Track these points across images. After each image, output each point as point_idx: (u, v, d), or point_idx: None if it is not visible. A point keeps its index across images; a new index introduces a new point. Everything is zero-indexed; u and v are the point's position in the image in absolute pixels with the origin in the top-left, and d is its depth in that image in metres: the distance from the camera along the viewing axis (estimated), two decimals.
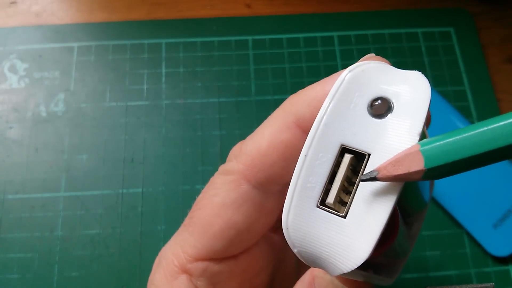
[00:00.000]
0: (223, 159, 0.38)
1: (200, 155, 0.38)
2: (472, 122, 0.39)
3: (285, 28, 0.43)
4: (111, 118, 0.39)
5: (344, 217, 0.12)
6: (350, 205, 0.12)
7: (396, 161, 0.11)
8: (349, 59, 0.42)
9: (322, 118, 0.13)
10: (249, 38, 0.43)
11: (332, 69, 0.41)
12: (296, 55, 0.42)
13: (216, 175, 0.21)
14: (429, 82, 0.13)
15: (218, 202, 0.19)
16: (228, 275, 0.19)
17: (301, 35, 0.43)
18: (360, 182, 0.12)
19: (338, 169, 0.12)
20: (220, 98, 0.40)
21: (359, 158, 0.12)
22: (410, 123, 0.12)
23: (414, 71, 0.13)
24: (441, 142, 0.11)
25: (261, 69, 0.41)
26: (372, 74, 0.13)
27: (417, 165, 0.11)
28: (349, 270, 0.12)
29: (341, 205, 0.12)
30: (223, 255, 0.19)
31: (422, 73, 0.13)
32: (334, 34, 0.43)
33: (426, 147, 0.11)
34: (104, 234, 0.35)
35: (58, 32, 0.42)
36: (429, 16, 0.44)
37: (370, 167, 0.12)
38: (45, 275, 0.34)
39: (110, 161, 0.37)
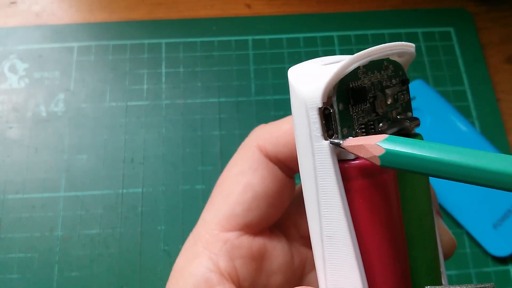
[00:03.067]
0: (223, 159, 0.38)
1: (200, 155, 0.38)
2: (472, 122, 0.39)
3: (285, 28, 0.43)
4: (111, 118, 0.39)
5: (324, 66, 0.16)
6: (327, 65, 0.16)
7: (361, 144, 0.13)
8: None
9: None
10: (249, 38, 0.43)
11: None
12: (296, 55, 0.42)
13: (235, 154, 0.22)
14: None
15: (236, 171, 0.20)
16: (247, 253, 0.19)
17: (301, 35, 0.43)
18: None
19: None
20: (220, 98, 0.40)
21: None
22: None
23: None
24: (403, 149, 0.13)
25: (261, 69, 0.41)
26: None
27: (374, 158, 0.13)
28: (322, 87, 0.14)
29: None
30: (242, 222, 0.19)
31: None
32: (334, 34, 0.43)
33: (389, 146, 0.13)
34: (104, 234, 0.35)
35: (58, 32, 0.42)
36: (429, 16, 0.44)
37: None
38: (45, 275, 0.34)
39: (110, 161, 0.37)
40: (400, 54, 0.16)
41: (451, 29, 0.43)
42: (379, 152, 0.13)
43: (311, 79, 0.15)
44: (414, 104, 0.39)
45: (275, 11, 0.44)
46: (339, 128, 0.14)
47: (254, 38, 0.43)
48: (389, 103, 0.15)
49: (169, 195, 0.37)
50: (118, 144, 0.38)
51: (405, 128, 0.16)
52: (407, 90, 0.16)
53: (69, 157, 0.38)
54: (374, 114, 0.15)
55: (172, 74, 0.41)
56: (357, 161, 0.14)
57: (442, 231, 0.18)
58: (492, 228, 0.35)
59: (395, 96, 0.16)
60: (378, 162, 0.13)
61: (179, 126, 0.39)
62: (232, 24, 0.43)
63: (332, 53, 0.42)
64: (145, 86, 0.40)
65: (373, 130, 0.15)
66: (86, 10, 0.44)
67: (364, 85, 0.15)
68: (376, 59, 0.15)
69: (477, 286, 0.14)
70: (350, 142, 0.13)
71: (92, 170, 0.37)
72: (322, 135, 0.14)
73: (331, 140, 0.14)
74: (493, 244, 0.35)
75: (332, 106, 0.14)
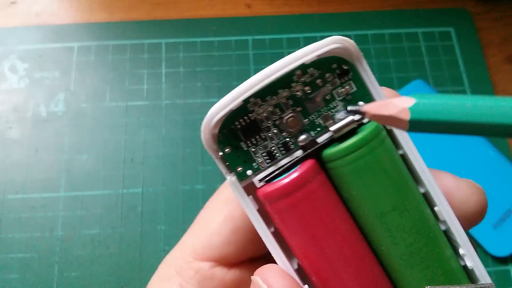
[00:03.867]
0: None
1: (200, 155, 0.38)
2: None
3: (285, 28, 0.43)
4: (111, 118, 0.39)
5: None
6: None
7: (385, 102, 0.12)
8: None
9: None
10: (249, 38, 0.43)
11: None
12: None
13: (224, 183, 0.22)
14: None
15: (220, 200, 0.19)
16: (219, 285, 0.19)
17: (301, 35, 0.43)
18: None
19: None
20: (220, 98, 0.40)
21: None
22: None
23: None
24: (435, 101, 0.11)
25: (261, 69, 0.41)
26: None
27: (404, 113, 0.12)
28: (202, 126, 0.15)
29: None
30: (217, 255, 0.18)
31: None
32: (334, 34, 0.43)
33: (419, 101, 0.12)
34: (104, 234, 0.35)
35: (58, 32, 0.42)
36: (429, 16, 0.44)
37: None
38: (45, 275, 0.34)
39: (110, 161, 0.37)
40: (322, 55, 0.15)
41: (451, 29, 0.43)
42: (409, 104, 0.12)
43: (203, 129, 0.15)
44: None
45: (275, 11, 0.44)
46: (231, 169, 0.14)
47: (254, 38, 0.43)
48: (311, 111, 0.14)
49: (169, 195, 0.37)
50: (118, 144, 0.38)
51: (343, 124, 0.14)
52: (353, 78, 0.14)
53: (69, 157, 0.38)
54: (294, 129, 0.14)
55: (172, 74, 0.41)
56: (264, 188, 0.14)
57: (456, 195, 0.16)
58: (492, 228, 0.35)
59: (328, 96, 0.14)
60: (407, 117, 0.11)
61: (179, 126, 0.39)
62: (232, 24, 0.43)
63: None
64: (145, 86, 0.40)
65: (292, 147, 0.14)
66: (86, 10, 0.44)
67: (254, 118, 0.14)
68: (273, 80, 0.14)
69: (477, 286, 0.14)
70: (370, 109, 0.12)
71: (92, 170, 0.37)
72: (225, 173, 0.15)
73: (230, 177, 0.14)
74: (493, 244, 0.35)
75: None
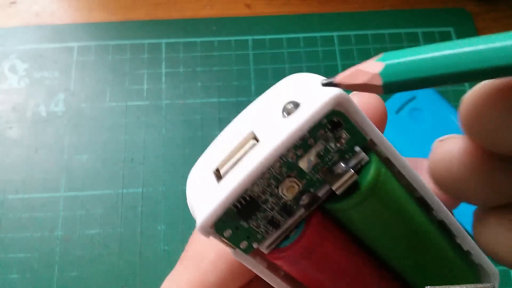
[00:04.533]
0: None
1: (200, 155, 0.38)
2: None
3: (285, 28, 0.43)
4: (111, 118, 0.39)
5: (218, 183, 0.13)
6: (225, 175, 0.13)
7: (356, 70, 0.12)
8: (349, 59, 0.42)
9: (251, 106, 0.15)
10: (249, 38, 0.43)
11: (332, 69, 0.41)
12: (296, 55, 0.42)
13: None
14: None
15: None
16: None
17: (301, 35, 0.43)
18: (241, 159, 0.13)
19: (241, 148, 0.14)
20: (220, 98, 0.40)
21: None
22: (288, 128, 0.12)
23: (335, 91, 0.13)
24: (406, 60, 0.11)
25: (261, 69, 0.41)
26: (305, 84, 0.14)
27: (376, 79, 0.11)
28: (197, 230, 0.13)
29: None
30: None
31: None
32: (334, 34, 0.43)
33: (389, 63, 0.11)
34: (104, 234, 0.35)
35: (58, 32, 0.42)
36: (429, 16, 0.44)
37: (252, 151, 0.13)
38: (45, 275, 0.34)
39: (110, 161, 0.37)
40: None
41: (451, 29, 0.43)
42: (379, 69, 0.11)
43: (199, 208, 0.14)
44: (414, 104, 0.39)
45: (275, 11, 0.44)
46: (236, 246, 0.14)
47: (254, 38, 0.43)
48: (307, 170, 0.13)
49: (169, 195, 0.37)
50: (118, 144, 0.38)
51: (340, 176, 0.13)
52: (346, 127, 0.13)
53: (69, 157, 0.38)
54: (293, 195, 0.13)
55: (172, 74, 0.41)
56: (274, 254, 0.14)
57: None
58: None
59: (321, 152, 0.13)
60: (380, 83, 0.11)
61: (179, 126, 0.39)
62: (232, 24, 0.43)
63: (332, 53, 0.42)
64: (145, 86, 0.40)
65: (294, 209, 0.14)
66: (85, 10, 0.44)
67: (250, 198, 0.13)
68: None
69: (477, 286, 0.14)
70: (343, 80, 0.12)
71: (92, 170, 0.37)
72: (230, 249, 0.14)
73: (234, 251, 0.14)
74: None
75: None
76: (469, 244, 0.16)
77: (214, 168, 0.14)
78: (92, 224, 0.35)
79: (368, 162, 0.13)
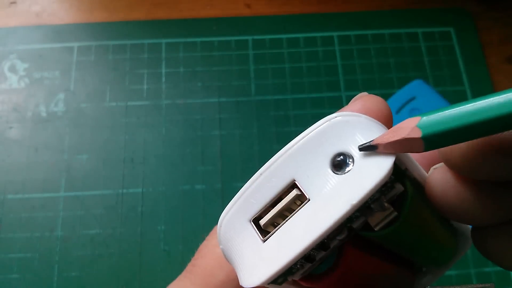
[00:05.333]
0: (223, 159, 0.38)
1: (200, 155, 0.38)
2: None
3: (285, 28, 0.43)
4: (111, 118, 0.39)
5: (264, 241, 0.13)
6: (273, 233, 0.13)
7: (394, 129, 0.12)
8: (349, 59, 0.42)
9: (289, 148, 0.13)
10: (249, 38, 0.43)
11: (332, 69, 0.41)
12: (296, 55, 0.42)
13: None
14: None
15: (220, 252, 0.18)
16: None
17: (301, 35, 0.43)
18: (291, 217, 0.13)
19: (283, 198, 0.13)
20: (220, 98, 0.40)
21: (303, 199, 0.13)
22: (351, 193, 0.12)
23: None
24: (440, 114, 0.11)
25: (261, 69, 0.41)
26: (350, 128, 0.13)
27: (415, 131, 0.11)
28: (243, 285, 0.13)
29: (270, 231, 0.13)
30: None
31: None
32: (334, 34, 0.43)
33: (425, 118, 0.11)
34: (104, 234, 0.35)
35: (58, 32, 0.42)
36: (429, 16, 0.44)
37: (305, 211, 0.12)
38: (45, 275, 0.34)
39: (110, 161, 0.37)
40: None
41: (451, 29, 0.43)
42: (415, 123, 0.11)
43: (244, 266, 0.13)
44: (414, 104, 0.39)
45: (275, 11, 0.44)
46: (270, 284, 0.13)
47: (254, 38, 0.43)
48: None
49: (169, 195, 0.37)
50: (118, 144, 0.38)
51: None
52: (392, 178, 0.12)
53: (69, 157, 0.38)
54: None
55: (172, 74, 0.41)
56: (308, 283, 0.14)
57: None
58: None
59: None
60: (419, 135, 0.11)
61: (179, 126, 0.39)
62: (232, 24, 0.43)
63: (332, 53, 0.42)
64: (145, 86, 0.40)
65: (330, 244, 0.13)
66: (86, 10, 0.44)
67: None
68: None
69: (477, 286, 0.14)
70: (381, 140, 0.12)
71: (92, 170, 0.37)
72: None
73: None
74: None
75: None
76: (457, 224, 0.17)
77: (251, 216, 0.13)
78: (92, 224, 0.35)
79: (403, 192, 0.13)
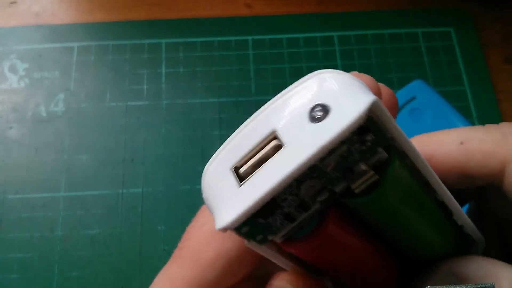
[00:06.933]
0: None
1: (200, 155, 0.38)
2: (472, 122, 0.39)
3: (285, 28, 0.43)
4: (111, 118, 0.39)
5: (240, 185, 0.13)
6: (248, 179, 0.13)
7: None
8: (349, 59, 0.42)
9: (274, 102, 0.14)
10: (249, 38, 0.43)
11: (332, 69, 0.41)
12: (296, 55, 0.42)
13: None
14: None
15: (208, 231, 0.18)
16: None
17: (301, 35, 0.43)
18: (266, 163, 0.13)
19: (262, 149, 0.13)
20: (220, 98, 0.40)
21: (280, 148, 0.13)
22: (321, 136, 0.12)
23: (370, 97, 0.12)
24: None
25: (261, 69, 0.41)
26: (332, 83, 0.13)
27: None
28: (217, 228, 0.13)
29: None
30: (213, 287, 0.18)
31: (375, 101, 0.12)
32: (334, 34, 0.43)
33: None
34: (104, 234, 0.35)
35: (58, 32, 0.42)
36: (429, 16, 0.44)
37: (279, 156, 0.13)
38: (45, 275, 0.34)
39: (110, 161, 0.37)
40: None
41: (451, 29, 0.43)
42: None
43: (219, 208, 0.13)
44: (414, 104, 0.39)
45: (275, 11, 0.44)
46: (251, 239, 0.14)
47: (254, 38, 0.43)
48: (328, 170, 0.13)
49: (169, 195, 0.37)
50: (118, 144, 0.38)
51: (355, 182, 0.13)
52: (372, 130, 0.12)
53: (69, 157, 0.38)
54: (312, 193, 0.13)
55: (172, 74, 0.41)
56: (289, 245, 0.14)
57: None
58: None
59: (345, 154, 0.12)
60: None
61: (179, 126, 0.39)
62: (232, 24, 0.43)
63: (332, 53, 0.42)
64: (145, 86, 0.40)
65: (310, 205, 0.14)
66: (86, 10, 0.44)
67: (274, 197, 0.13)
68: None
69: (477, 286, 0.14)
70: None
71: (92, 170, 0.37)
72: (244, 241, 0.14)
73: (248, 243, 0.14)
74: None
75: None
76: (462, 219, 0.17)
77: (231, 165, 0.14)
78: (92, 224, 0.35)
79: (387, 159, 0.13)
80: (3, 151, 0.38)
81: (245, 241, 0.14)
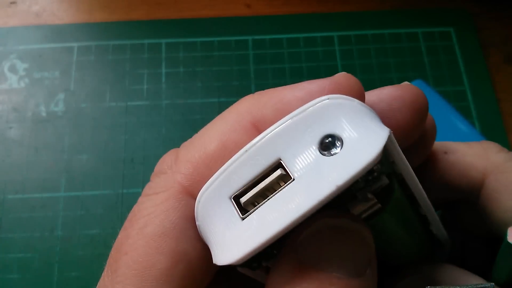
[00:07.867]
0: None
1: None
2: (472, 122, 0.39)
3: (285, 28, 0.43)
4: (111, 118, 0.39)
5: (242, 219, 0.12)
6: (252, 212, 0.12)
7: None
8: (349, 59, 0.42)
9: (277, 127, 0.13)
10: (249, 38, 0.43)
11: (332, 69, 0.41)
12: (296, 55, 0.42)
13: (141, 199, 0.16)
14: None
15: (153, 233, 0.14)
16: None
17: (301, 35, 0.43)
18: (273, 196, 0.12)
19: (266, 178, 0.12)
20: (220, 98, 0.40)
21: (287, 179, 0.12)
22: (337, 174, 0.11)
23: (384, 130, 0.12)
24: None
25: (261, 69, 0.41)
26: (342, 111, 0.12)
27: None
28: (219, 264, 0.12)
29: (249, 209, 0.13)
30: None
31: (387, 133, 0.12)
32: (334, 34, 0.43)
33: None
34: (104, 234, 0.35)
35: (58, 32, 0.42)
36: (429, 16, 0.44)
37: (288, 190, 0.12)
38: (45, 275, 0.34)
39: (110, 161, 0.37)
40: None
41: (451, 29, 0.43)
42: None
43: (218, 242, 0.12)
44: None
45: (275, 11, 0.44)
46: (244, 267, 0.13)
47: (254, 38, 0.43)
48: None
49: None
50: (118, 144, 0.38)
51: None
52: (379, 167, 0.12)
53: (69, 157, 0.38)
54: None
55: (172, 74, 0.41)
56: None
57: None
58: None
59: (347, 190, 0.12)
60: None
61: (179, 126, 0.39)
62: (232, 24, 0.43)
63: (332, 53, 0.42)
64: (145, 86, 0.40)
65: None
66: (86, 10, 0.44)
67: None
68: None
69: (477, 286, 0.14)
70: None
71: (92, 170, 0.37)
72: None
73: (241, 268, 0.13)
74: None
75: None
76: (437, 229, 0.17)
77: (231, 193, 0.13)
78: (92, 224, 0.35)
79: (388, 185, 0.13)
80: (3, 151, 0.38)
81: (238, 268, 0.13)
